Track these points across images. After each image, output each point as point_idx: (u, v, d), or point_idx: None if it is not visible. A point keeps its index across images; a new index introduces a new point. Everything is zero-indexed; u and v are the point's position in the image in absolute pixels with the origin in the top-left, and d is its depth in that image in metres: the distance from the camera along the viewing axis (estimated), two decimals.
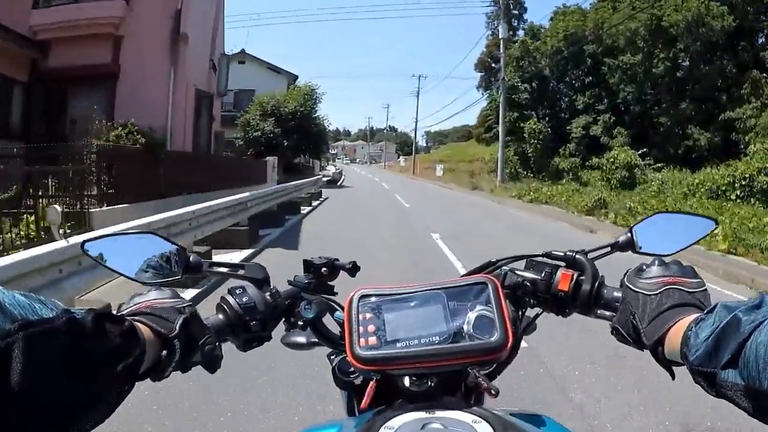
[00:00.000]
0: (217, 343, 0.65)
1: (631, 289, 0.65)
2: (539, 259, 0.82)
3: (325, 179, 25.70)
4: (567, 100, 25.70)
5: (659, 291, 0.62)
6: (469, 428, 0.59)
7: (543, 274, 0.79)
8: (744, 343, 0.44)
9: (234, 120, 23.74)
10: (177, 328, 0.59)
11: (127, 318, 0.54)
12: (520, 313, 0.80)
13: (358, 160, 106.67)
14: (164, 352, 0.57)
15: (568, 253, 0.80)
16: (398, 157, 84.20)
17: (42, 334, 0.39)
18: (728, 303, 0.50)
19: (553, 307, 0.79)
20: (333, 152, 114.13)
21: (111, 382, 0.47)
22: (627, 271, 0.68)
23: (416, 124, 60.29)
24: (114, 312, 0.55)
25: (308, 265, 0.85)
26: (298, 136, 24.58)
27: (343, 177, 37.59)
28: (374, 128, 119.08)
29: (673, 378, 0.61)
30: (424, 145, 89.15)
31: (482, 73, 30.31)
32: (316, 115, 26.51)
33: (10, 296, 0.40)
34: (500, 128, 23.85)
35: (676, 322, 0.58)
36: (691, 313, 0.58)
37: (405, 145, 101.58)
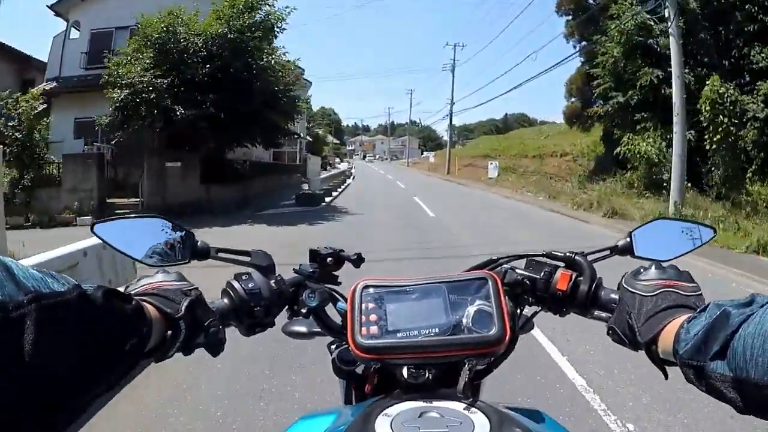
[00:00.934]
0: (221, 327, 0.66)
1: (628, 290, 0.67)
2: (539, 258, 0.82)
3: (303, 192, 15.48)
4: (734, 53, 14.86)
5: (656, 293, 0.63)
6: (464, 417, 0.59)
7: (542, 274, 0.79)
8: (732, 336, 0.45)
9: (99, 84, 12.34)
10: (183, 309, 0.60)
11: (135, 297, 0.55)
12: (518, 310, 0.81)
13: (377, 157, 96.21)
14: (169, 333, 0.59)
15: (567, 254, 0.81)
16: (422, 153, 73.58)
17: (54, 306, 0.40)
18: (720, 302, 0.50)
19: (551, 306, 0.79)
20: (350, 148, 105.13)
21: (118, 357, 0.48)
22: (625, 274, 0.69)
23: (451, 107, 41.25)
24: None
25: (314, 254, 0.86)
26: (224, 99, 11.10)
27: (348, 180, 26.71)
28: (395, 122, 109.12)
29: (666, 377, 0.60)
30: (447, 140, 78.25)
31: (569, 17, 19.19)
32: (266, 52, 12.63)
33: (24, 270, 0.41)
34: (674, 92, 11.12)
35: (671, 321, 0.58)
36: (685, 313, 0.58)
37: (429, 140, 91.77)
